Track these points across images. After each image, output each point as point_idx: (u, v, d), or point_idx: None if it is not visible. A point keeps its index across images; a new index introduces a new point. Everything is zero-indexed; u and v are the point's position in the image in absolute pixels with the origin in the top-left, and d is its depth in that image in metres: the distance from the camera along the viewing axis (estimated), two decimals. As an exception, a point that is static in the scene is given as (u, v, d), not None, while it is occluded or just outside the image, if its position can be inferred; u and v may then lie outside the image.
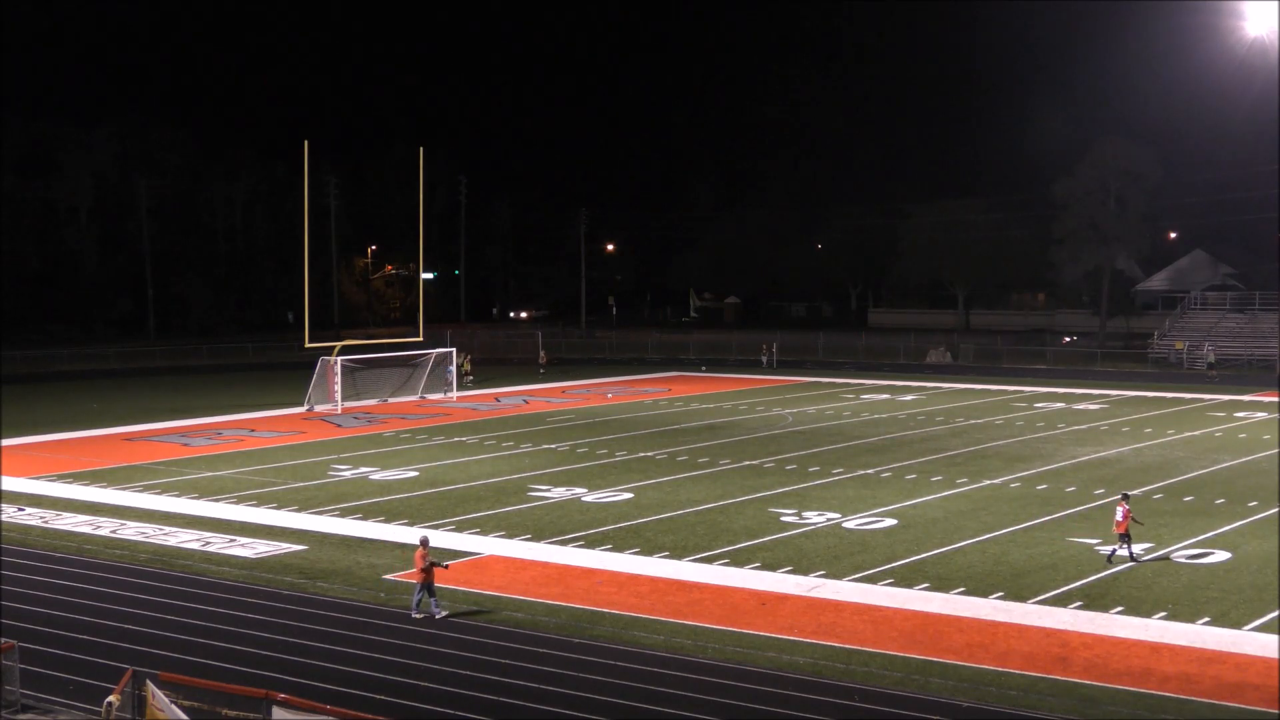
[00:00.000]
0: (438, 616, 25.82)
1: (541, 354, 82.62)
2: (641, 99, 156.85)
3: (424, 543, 26.66)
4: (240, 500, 38.99)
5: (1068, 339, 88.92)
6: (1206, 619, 25.67)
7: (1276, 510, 36.26)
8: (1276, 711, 20.71)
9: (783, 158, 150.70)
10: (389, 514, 36.75)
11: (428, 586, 26.00)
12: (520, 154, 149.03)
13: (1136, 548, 31.41)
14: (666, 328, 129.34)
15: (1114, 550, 30.62)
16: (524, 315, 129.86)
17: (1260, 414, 58.80)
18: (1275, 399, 64.77)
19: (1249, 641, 24.36)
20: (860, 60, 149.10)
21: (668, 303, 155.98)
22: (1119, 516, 30.52)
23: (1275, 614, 25.85)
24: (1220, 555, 31.02)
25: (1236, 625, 25.27)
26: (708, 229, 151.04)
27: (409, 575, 26.14)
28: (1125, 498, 31.56)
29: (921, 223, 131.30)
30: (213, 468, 44.95)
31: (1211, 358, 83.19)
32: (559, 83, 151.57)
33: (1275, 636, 24.47)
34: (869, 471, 43.53)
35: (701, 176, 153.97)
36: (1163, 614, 26.03)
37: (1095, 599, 27.15)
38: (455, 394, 67.69)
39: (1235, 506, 36.79)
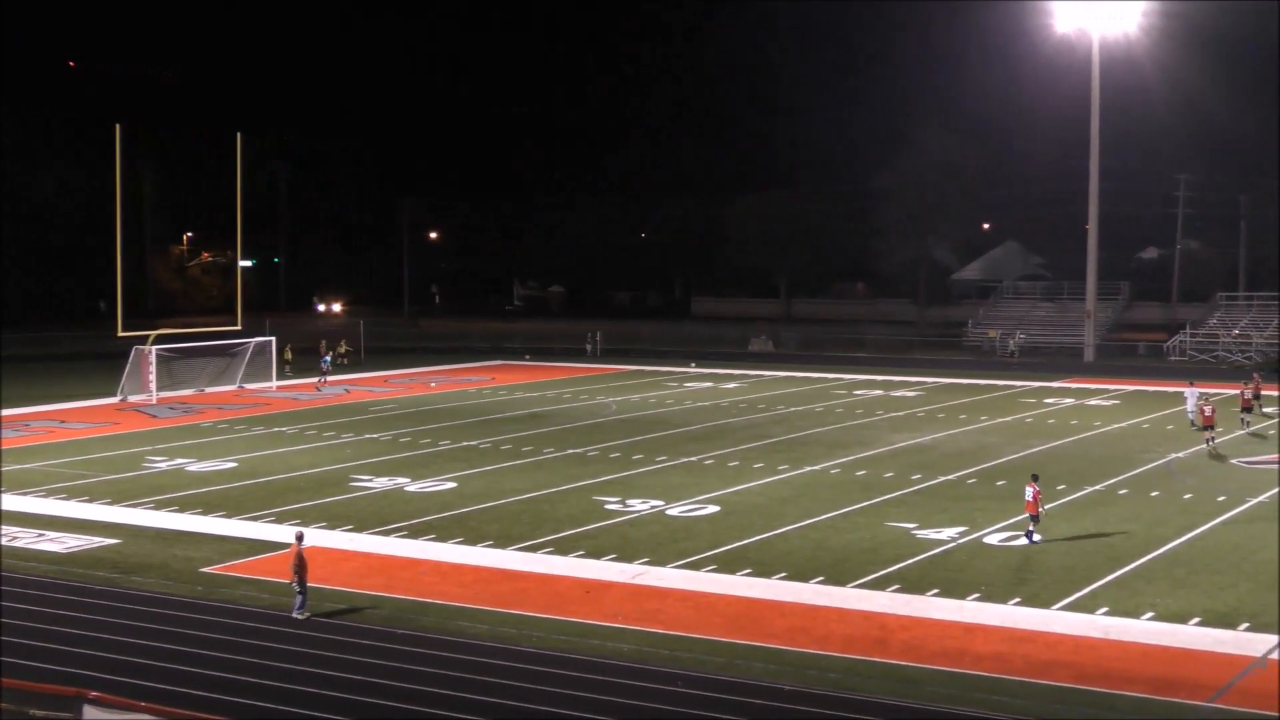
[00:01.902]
0: (299, 616, 25.17)
1: (341, 344, 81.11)
2: (468, 85, 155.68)
3: (299, 538, 26.01)
4: (49, 494, 37.80)
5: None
6: (1018, 599, 26.38)
7: (1085, 493, 37.42)
8: (1081, 687, 21.36)
9: (608, 147, 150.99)
10: (207, 506, 35.98)
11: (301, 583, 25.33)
12: (344, 142, 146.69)
13: (952, 530, 32.18)
14: (491, 317, 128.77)
15: (1030, 530, 31.35)
16: (337, 306, 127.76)
17: (1068, 400, 60.64)
18: (1082, 386, 66.83)
19: (1058, 620, 25.08)
20: (687, 47, 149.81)
21: (492, 292, 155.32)
22: (1029, 497, 31.30)
23: (1082, 593, 26.67)
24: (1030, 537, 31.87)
25: (1046, 605, 26.00)
26: (532, 218, 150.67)
27: (287, 574, 25.44)
28: (1035, 479, 32.15)
29: (745, 212, 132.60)
30: (20, 460, 43.47)
31: (1012, 345, 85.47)
32: (384, 68, 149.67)
33: (1082, 615, 25.25)
34: (692, 459, 43.85)
35: (527, 166, 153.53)
36: (976, 595, 26.68)
37: (912, 582, 27.71)
38: (275, 383, 66.53)
39: (1045, 490, 37.73)
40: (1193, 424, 49.57)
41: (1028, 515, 31.49)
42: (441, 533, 32.67)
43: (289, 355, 72.94)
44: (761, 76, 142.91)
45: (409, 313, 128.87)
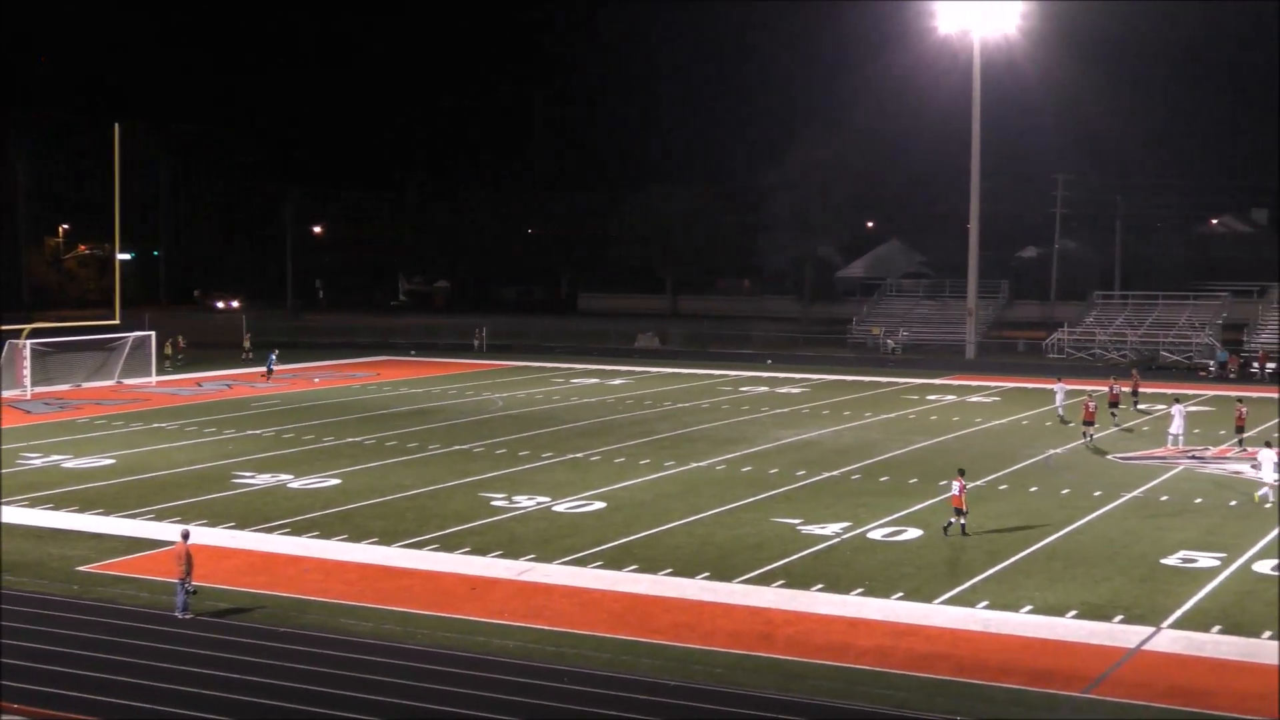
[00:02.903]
0: (182, 616, 24.71)
1: (246, 339, 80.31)
2: (355, 73, 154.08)
3: (185, 536, 25.53)
4: (-81, 491, 36.83)
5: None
6: (900, 594, 26.71)
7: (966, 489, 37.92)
8: (961, 680, 21.68)
9: (496, 140, 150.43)
10: (83, 503, 35.28)
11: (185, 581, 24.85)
12: (226, 131, 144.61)
13: (837, 526, 32.51)
14: (376, 311, 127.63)
15: (949, 523, 31.83)
16: (233, 303, 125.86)
17: (950, 397, 61.49)
18: (964, 383, 67.81)
19: (939, 614, 25.45)
20: (577, 42, 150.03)
21: (376, 287, 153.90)
22: (955, 491, 31.80)
23: (962, 587, 27.07)
24: (913, 532, 32.31)
25: (928, 599, 26.36)
26: (417, 212, 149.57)
27: (169, 573, 24.94)
28: (961, 473, 32.75)
29: (632, 208, 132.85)
30: (-111, 457, 42.32)
31: (892, 343, 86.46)
32: (269, 54, 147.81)
33: (963, 608, 25.65)
34: (579, 455, 43.83)
35: (413, 160, 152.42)
36: (860, 590, 26.96)
37: (797, 577, 27.94)
38: (155, 378, 65.41)
39: (927, 486, 38.37)
40: (1062, 419, 50.77)
41: (954, 509, 31.92)
42: (325, 529, 32.34)
43: (170, 350, 71.72)
44: (649, 73, 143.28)
45: (292, 307, 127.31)
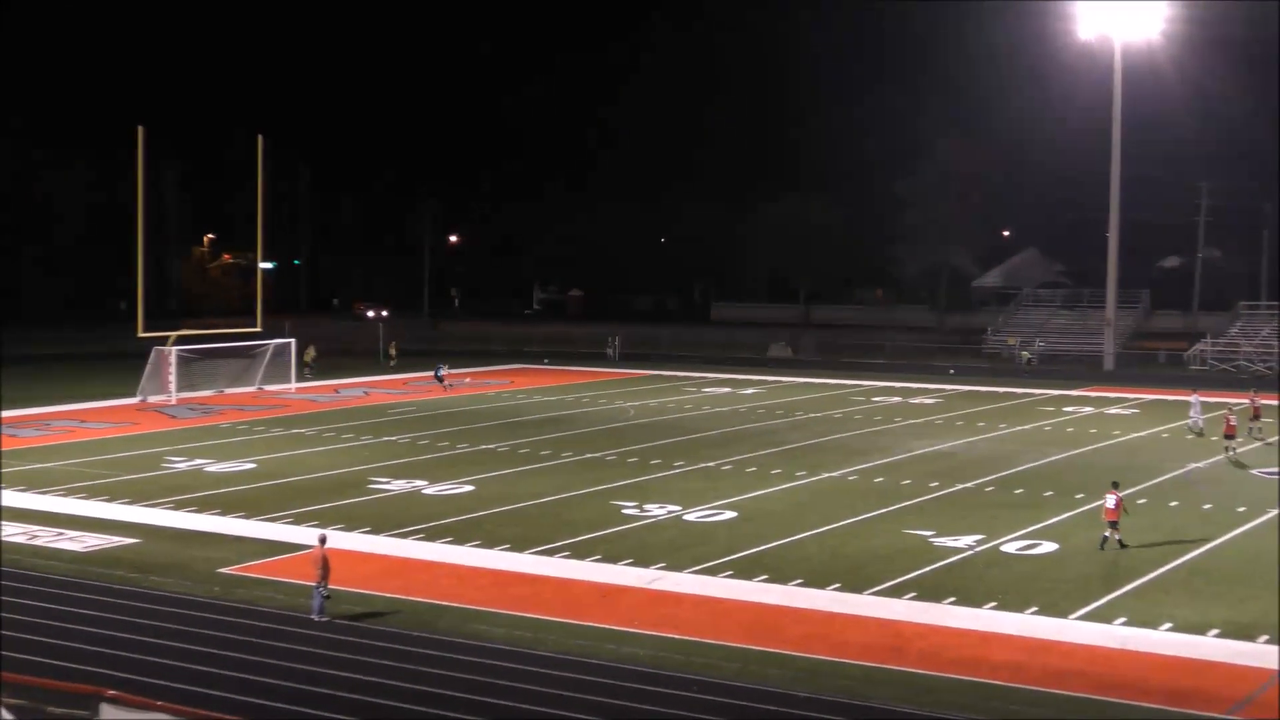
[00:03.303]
0: (319, 619, 25.19)
1: (392, 346, 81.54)
2: (491, 87, 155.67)
3: (322, 540, 26.09)
4: (69, 493, 37.95)
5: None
6: (1034, 608, 26.31)
7: (1102, 502, 37.22)
8: (1098, 698, 21.30)
9: (629, 150, 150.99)
10: (225, 507, 36.08)
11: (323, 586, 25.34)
12: (365, 145, 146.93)
13: (970, 538, 32.14)
14: (510, 320, 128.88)
15: (1106, 537, 31.36)
16: (383, 312, 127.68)
17: (1087, 409, 60.45)
18: (1102, 394, 66.63)
19: (1074, 630, 25.03)
20: (709, 50, 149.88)
21: (512, 296, 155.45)
22: (1110, 504, 31.28)
23: (1099, 603, 26.60)
24: (1048, 546, 31.82)
25: (1063, 614, 25.94)
26: (553, 221, 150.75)
27: (307, 576, 25.49)
28: (1115, 485, 32.17)
29: (766, 218, 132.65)
30: (41, 459, 43.66)
31: (1027, 354, 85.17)
32: (405, 68, 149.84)
33: (1100, 625, 25.19)
34: (710, 464, 43.84)
35: (547, 169, 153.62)
36: (993, 604, 26.62)
37: (929, 590, 27.67)
38: (294, 385, 66.70)
39: (1063, 499, 37.78)
40: (1198, 432, 49.75)
41: (1108, 522, 31.37)
42: (459, 536, 32.72)
43: (309, 357, 73.10)
44: (784, 82, 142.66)
45: (428, 316, 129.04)
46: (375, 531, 33.19)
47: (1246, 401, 52.09)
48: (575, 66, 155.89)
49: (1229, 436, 45.83)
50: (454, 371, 69.19)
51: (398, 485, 39.58)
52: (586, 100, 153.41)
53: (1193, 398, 52.51)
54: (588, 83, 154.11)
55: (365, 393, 65.61)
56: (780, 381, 72.74)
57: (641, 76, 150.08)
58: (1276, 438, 49.16)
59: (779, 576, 28.78)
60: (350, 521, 34.23)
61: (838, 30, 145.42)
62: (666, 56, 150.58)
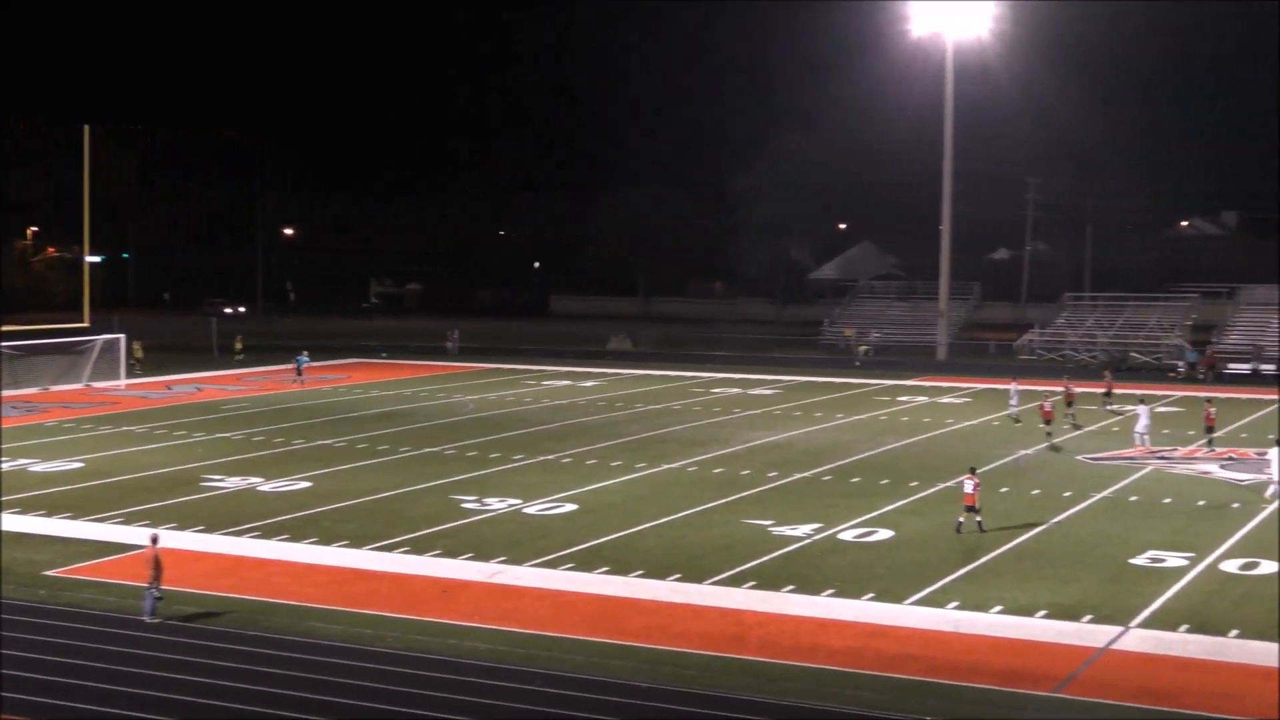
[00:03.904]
0: (150, 621, 24.53)
1: (237, 341, 79.82)
2: (326, 78, 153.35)
3: (154, 540, 25.39)
4: (-115, 495, 36.53)
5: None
6: (871, 594, 26.73)
7: (937, 489, 38.04)
8: (932, 680, 21.71)
9: (468, 143, 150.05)
10: (51, 507, 35.04)
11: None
12: (197, 138, 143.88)
13: (808, 527, 32.54)
14: (346, 314, 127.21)
15: (962, 521, 32.00)
16: (240, 309, 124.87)
17: (921, 398, 61.62)
18: (935, 384, 67.97)
19: (910, 615, 25.49)
20: (551, 44, 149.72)
21: (348, 289, 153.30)
22: (968, 489, 31.99)
23: (933, 588, 27.12)
24: (884, 533, 32.36)
25: (899, 600, 26.40)
26: (390, 215, 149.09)
27: (138, 577, 24.79)
28: (973, 471, 32.92)
29: (605, 211, 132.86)
30: None
31: (864, 345, 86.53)
32: (235, 61, 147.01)
33: (933, 609, 25.68)
34: (550, 457, 43.78)
35: (384, 162, 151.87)
36: (831, 591, 26.98)
37: (768, 578, 27.95)
38: (124, 381, 65.07)
39: (898, 487, 38.44)
40: (1015, 420, 51.18)
41: (965, 507, 32.10)
42: (295, 533, 32.21)
43: (139, 353, 71.35)
44: (624, 77, 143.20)
45: (263, 310, 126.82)
46: (209, 530, 32.53)
47: (1062, 389, 53.58)
48: (412, 57, 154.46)
49: (1046, 421, 47.42)
50: (311, 364, 68.28)
51: (232, 482, 38.84)
52: (424, 93, 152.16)
53: (1012, 386, 54.08)
54: (425, 73, 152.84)
55: (199, 388, 64.28)
56: (620, 374, 72.91)
57: (480, 67, 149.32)
58: (1108, 422, 50.62)
59: (620, 568, 28.84)
60: (183, 520, 33.50)
61: (678, 25, 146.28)
62: (507, 48, 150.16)
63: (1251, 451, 44.68)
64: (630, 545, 31.13)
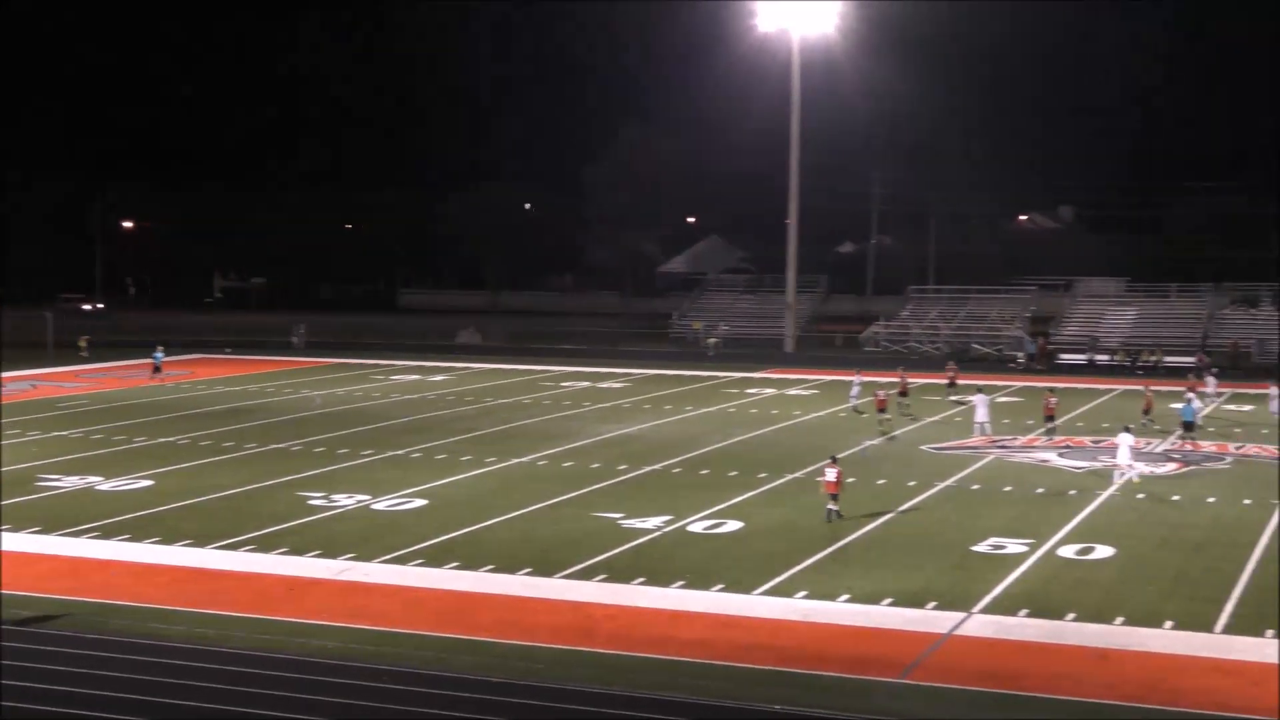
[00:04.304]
0: None
1: (83, 340, 77.69)
2: (168, 68, 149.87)
3: None
4: None
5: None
6: (721, 585, 26.93)
7: (785, 480, 38.47)
8: (782, 669, 21.95)
9: (314, 136, 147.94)
10: (-122, 510, 33.82)
11: None
12: (32, 128, 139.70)
13: (658, 519, 32.68)
14: (190, 309, 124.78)
15: (830, 509, 32.69)
16: (99, 305, 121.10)
17: (769, 390, 62.27)
18: (783, 376, 68.74)
19: (760, 605, 25.73)
20: (399, 38, 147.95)
21: (190, 284, 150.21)
22: (830, 478, 32.56)
23: (782, 578, 27.41)
24: (733, 525, 32.63)
25: (748, 590, 26.63)
26: (234, 208, 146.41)
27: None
28: (834, 459, 33.58)
29: (454, 205, 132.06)
30: None
31: (713, 338, 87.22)
32: (84, 46, 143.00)
33: (782, 599, 25.96)
34: (399, 452, 43.41)
35: (228, 153, 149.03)
36: (681, 583, 27.12)
37: (619, 571, 28.01)
38: (-44, 379, 63.05)
39: (747, 478, 38.79)
40: (856, 411, 52.11)
41: (828, 495, 32.69)
42: (137, 532, 31.50)
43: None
44: (472, 72, 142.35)
45: (102, 306, 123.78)
46: (46, 531, 31.65)
47: (897, 380, 54.59)
48: (257, 50, 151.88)
49: (880, 411, 48.57)
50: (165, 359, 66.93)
51: (69, 482, 37.85)
52: (267, 85, 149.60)
53: (855, 378, 55.04)
54: (270, 67, 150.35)
55: (33, 385, 62.53)
56: (470, 368, 72.58)
57: (327, 61, 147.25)
58: (953, 412, 51.62)
59: (470, 563, 28.70)
60: (17, 521, 32.54)
61: (527, 18, 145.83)
62: (356, 43, 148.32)
63: (1088, 439, 45.95)
64: (481, 540, 30.99)
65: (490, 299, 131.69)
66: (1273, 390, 51.39)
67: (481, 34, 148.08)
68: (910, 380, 54.55)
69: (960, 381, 58.00)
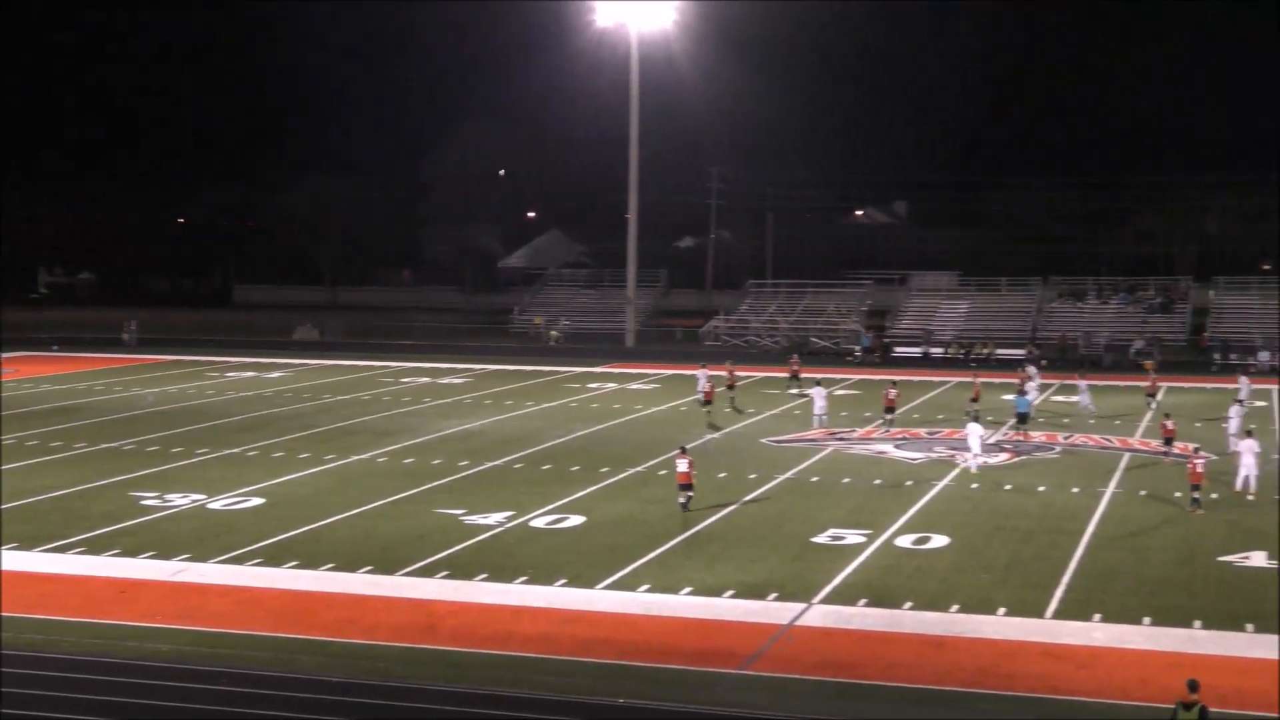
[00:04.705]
0: None
1: None
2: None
3: None
4: None
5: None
6: (563, 580, 26.91)
7: (627, 474, 38.58)
8: (624, 663, 22.01)
9: (146, 128, 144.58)
10: None
11: None
12: None
13: (500, 515, 32.56)
14: (14, 305, 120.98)
15: (683, 501, 33.04)
16: None
17: (610, 385, 62.41)
18: (624, 370, 68.95)
19: (602, 599, 25.77)
20: (236, 32, 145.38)
21: (14, 280, 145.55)
22: (683, 468, 32.91)
23: (624, 572, 27.49)
24: (576, 519, 32.63)
25: (590, 585, 26.65)
26: (59, 201, 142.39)
27: None
28: (684, 450, 34.05)
29: (289, 199, 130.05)
30: None
31: (555, 332, 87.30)
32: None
33: (625, 593, 26.04)
34: (235, 450, 42.62)
35: (57, 145, 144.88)
36: (524, 578, 27.05)
37: (461, 568, 27.84)
38: None
39: (589, 473, 38.82)
40: (701, 403, 52.77)
41: (680, 485, 33.08)
42: (-41, 536, 30.48)
43: None
44: (307, 67, 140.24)
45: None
46: None
47: (725, 373, 55.13)
48: (91, 44, 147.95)
49: (707, 403, 49.65)
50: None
51: (-112, 484, 36.49)
52: (96, 79, 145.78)
53: (700, 372, 55.41)
54: (97, 61, 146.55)
55: None
56: (307, 364, 71.57)
57: (162, 54, 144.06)
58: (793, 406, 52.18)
59: (310, 562, 28.29)
60: None
61: (365, 12, 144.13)
62: (193, 33, 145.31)
63: (924, 431, 46.84)
64: (320, 538, 30.57)
65: (328, 294, 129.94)
66: (1081, 384, 52.87)
67: (318, 24, 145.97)
68: (740, 374, 55.11)
69: (803, 375, 58.75)
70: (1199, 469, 33.37)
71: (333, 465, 40.22)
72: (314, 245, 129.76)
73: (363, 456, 41.74)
